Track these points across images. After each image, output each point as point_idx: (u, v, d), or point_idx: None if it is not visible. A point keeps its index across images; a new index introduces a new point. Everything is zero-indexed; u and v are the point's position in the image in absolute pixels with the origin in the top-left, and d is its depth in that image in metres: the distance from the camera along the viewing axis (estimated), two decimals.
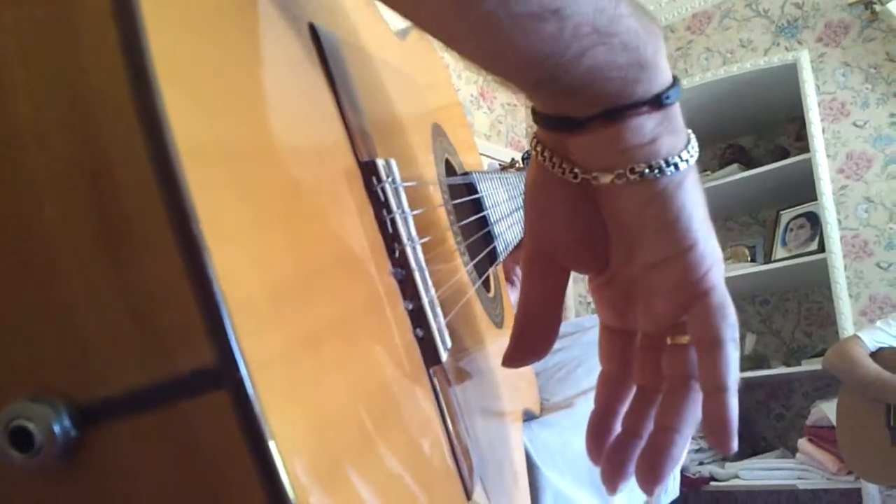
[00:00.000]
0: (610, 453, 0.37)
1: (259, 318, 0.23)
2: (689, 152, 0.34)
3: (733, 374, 0.34)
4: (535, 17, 0.28)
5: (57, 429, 0.21)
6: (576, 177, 0.34)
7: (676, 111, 0.33)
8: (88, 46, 0.22)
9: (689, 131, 0.35)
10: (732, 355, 0.34)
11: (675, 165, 0.33)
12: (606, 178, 0.34)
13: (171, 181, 0.21)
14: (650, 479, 0.35)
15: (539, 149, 0.36)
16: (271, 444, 0.21)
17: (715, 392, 0.34)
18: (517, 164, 1.02)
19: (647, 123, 0.32)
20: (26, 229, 0.22)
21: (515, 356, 0.38)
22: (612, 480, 0.37)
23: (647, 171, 0.33)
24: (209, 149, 0.23)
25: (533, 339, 0.38)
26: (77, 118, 0.22)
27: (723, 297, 0.34)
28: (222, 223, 0.22)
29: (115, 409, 0.21)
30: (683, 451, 0.36)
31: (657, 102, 0.32)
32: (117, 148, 0.22)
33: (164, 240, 0.21)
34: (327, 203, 0.32)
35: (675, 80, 0.34)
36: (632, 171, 0.33)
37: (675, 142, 0.33)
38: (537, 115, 0.35)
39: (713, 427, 0.34)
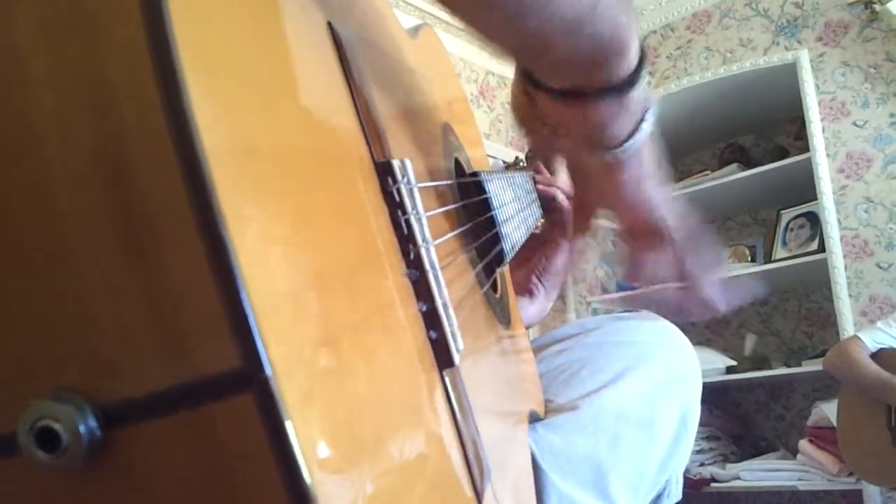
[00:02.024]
0: None
1: (281, 319, 0.22)
2: (639, 131, 0.38)
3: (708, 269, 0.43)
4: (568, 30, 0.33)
5: (83, 429, 0.21)
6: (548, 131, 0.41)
7: (635, 95, 0.37)
8: (112, 41, 0.22)
9: (648, 102, 0.38)
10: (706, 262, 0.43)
11: (626, 148, 0.38)
12: (566, 144, 0.41)
13: (197, 179, 0.21)
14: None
15: (519, 91, 0.41)
16: (296, 448, 0.21)
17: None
18: (521, 163, 1.02)
19: (601, 110, 0.36)
20: (48, 228, 0.22)
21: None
22: None
23: (598, 154, 0.38)
24: (233, 147, 0.23)
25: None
26: (100, 114, 0.22)
27: (673, 234, 0.42)
28: (246, 223, 0.22)
29: (139, 410, 0.21)
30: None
31: (616, 90, 0.36)
32: (142, 145, 0.21)
33: (189, 240, 0.21)
34: (344, 203, 0.32)
35: (640, 65, 0.36)
36: (585, 146, 0.39)
37: (625, 124, 0.37)
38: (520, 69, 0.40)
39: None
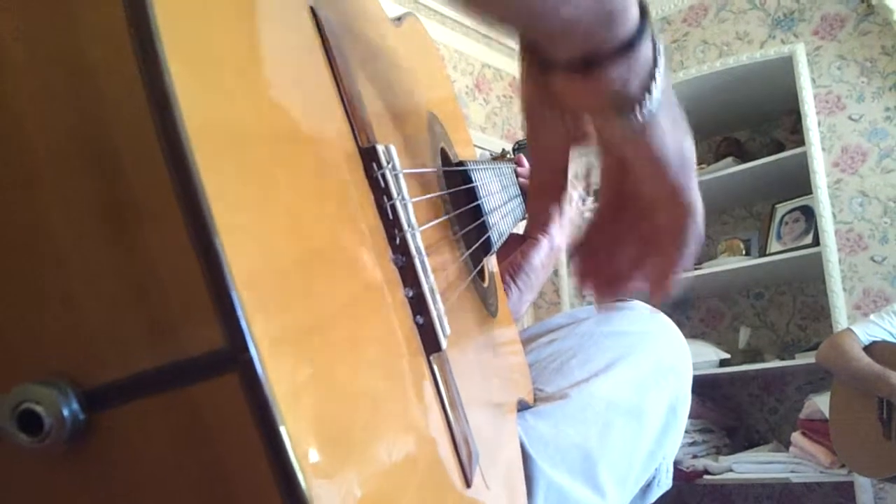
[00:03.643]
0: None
1: (266, 299, 0.22)
2: (656, 83, 0.37)
3: (689, 256, 0.42)
4: None
5: (65, 412, 0.21)
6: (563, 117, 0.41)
7: (643, 48, 0.36)
8: (91, 21, 0.22)
9: (657, 50, 0.37)
10: (692, 245, 0.41)
11: (645, 105, 0.37)
12: (591, 131, 0.40)
13: (179, 159, 0.21)
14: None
15: (525, 76, 0.40)
16: (281, 427, 0.20)
17: (667, 263, 0.42)
18: (508, 155, 1.02)
19: (614, 73, 0.35)
20: (29, 211, 0.22)
21: (538, 220, 0.48)
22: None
23: (620, 122, 0.37)
24: (215, 128, 0.23)
25: (547, 202, 0.46)
26: (80, 95, 0.22)
27: (692, 198, 0.40)
28: (228, 203, 0.22)
29: (122, 392, 0.21)
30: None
31: (623, 50, 0.35)
32: (123, 125, 0.21)
33: (172, 220, 0.21)
34: (329, 188, 0.32)
35: (643, 20, 0.36)
36: (607, 117, 0.38)
37: (642, 78, 0.37)
38: (524, 49, 0.39)
39: (654, 286, 0.43)
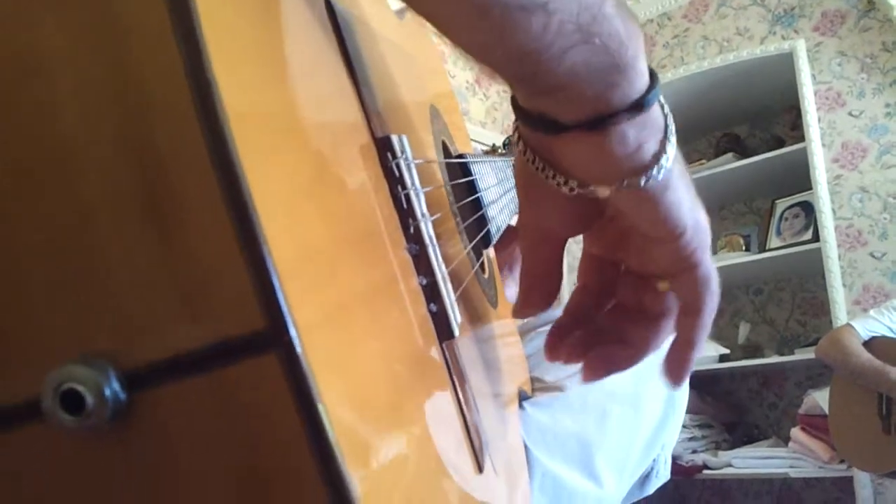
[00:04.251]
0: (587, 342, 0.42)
1: (300, 284, 0.23)
2: (669, 143, 0.35)
3: (703, 336, 0.39)
4: (524, 9, 0.29)
5: (107, 392, 0.21)
6: (571, 190, 0.36)
7: (655, 110, 0.34)
8: (132, 12, 0.22)
9: (665, 115, 0.35)
10: (707, 322, 0.39)
11: (660, 168, 0.34)
12: (604, 193, 0.35)
13: (220, 146, 0.21)
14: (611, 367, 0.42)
15: (523, 148, 0.37)
16: (320, 406, 0.21)
17: (685, 345, 0.39)
18: (500, 150, 1.02)
19: (629, 131, 0.33)
20: (74, 197, 0.22)
21: (523, 310, 0.43)
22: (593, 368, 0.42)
23: (637, 182, 0.34)
24: (251, 117, 0.24)
25: (537, 297, 0.42)
26: (121, 85, 0.22)
27: (707, 270, 0.38)
28: (265, 190, 0.22)
29: (163, 372, 0.22)
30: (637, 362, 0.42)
31: (637, 107, 0.33)
32: (164, 112, 0.22)
33: (214, 205, 0.21)
34: (349, 177, 0.33)
35: (653, 80, 0.34)
36: (622, 183, 0.34)
37: (657, 140, 0.34)
38: (522, 113, 0.35)
39: (672, 366, 0.39)
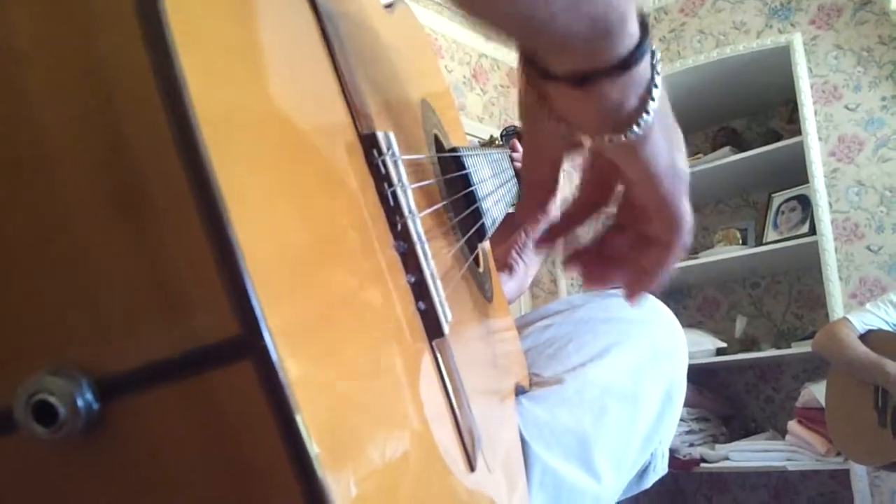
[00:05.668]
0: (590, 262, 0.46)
1: (277, 288, 0.22)
2: (652, 98, 0.36)
3: (664, 268, 0.43)
4: None
5: (80, 402, 0.21)
6: (560, 128, 0.39)
7: (643, 65, 0.36)
8: (101, 11, 0.22)
9: (655, 65, 0.37)
10: (672, 258, 0.42)
11: (640, 123, 0.36)
12: (587, 141, 0.40)
13: (190, 148, 0.21)
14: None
15: (525, 80, 0.39)
16: (297, 413, 0.21)
17: (644, 273, 0.44)
18: (497, 142, 1.02)
19: (611, 91, 0.35)
20: (45, 201, 0.22)
21: (524, 214, 0.46)
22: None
23: (618, 137, 0.36)
24: (223, 117, 0.23)
25: (535, 204, 0.46)
26: (93, 86, 0.22)
27: (679, 212, 0.41)
28: (238, 192, 0.22)
29: (137, 381, 0.21)
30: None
31: (623, 66, 0.34)
32: (135, 114, 0.21)
33: (185, 209, 0.21)
34: (332, 175, 0.32)
35: (643, 38, 0.35)
36: (602, 138, 0.37)
37: (638, 97, 0.36)
38: (522, 56, 0.38)
39: (631, 284, 0.44)
